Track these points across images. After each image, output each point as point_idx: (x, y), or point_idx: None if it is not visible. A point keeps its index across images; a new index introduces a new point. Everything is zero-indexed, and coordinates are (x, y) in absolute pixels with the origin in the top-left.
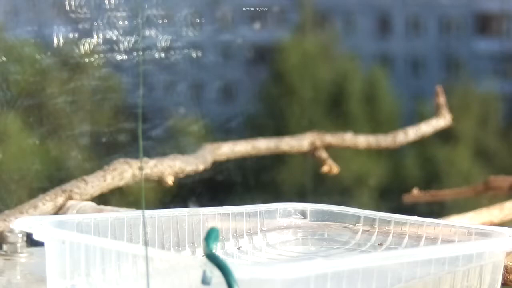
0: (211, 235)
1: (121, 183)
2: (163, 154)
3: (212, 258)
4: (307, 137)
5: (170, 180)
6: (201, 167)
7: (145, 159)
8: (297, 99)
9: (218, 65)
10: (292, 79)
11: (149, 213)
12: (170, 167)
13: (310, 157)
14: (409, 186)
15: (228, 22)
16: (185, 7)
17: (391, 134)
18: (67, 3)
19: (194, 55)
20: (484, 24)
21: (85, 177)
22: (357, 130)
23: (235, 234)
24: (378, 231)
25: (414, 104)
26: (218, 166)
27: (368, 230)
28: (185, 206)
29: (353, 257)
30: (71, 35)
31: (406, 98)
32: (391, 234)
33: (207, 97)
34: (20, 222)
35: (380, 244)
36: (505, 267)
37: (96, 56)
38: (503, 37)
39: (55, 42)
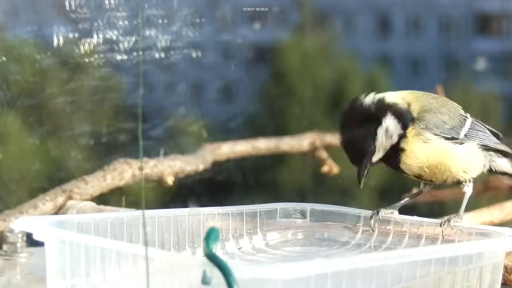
0: (211, 235)
1: (121, 183)
2: (163, 154)
3: (212, 258)
4: (307, 137)
5: (170, 180)
6: (201, 167)
7: (145, 159)
8: (297, 99)
9: (218, 65)
10: (292, 79)
11: (149, 213)
12: (170, 167)
13: (310, 157)
14: (409, 186)
15: (228, 22)
16: (185, 7)
17: None
18: (67, 3)
19: (194, 55)
20: (484, 24)
21: (85, 177)
22: None
23: (235, 234)
24: (378, 231)
25: None
26: (218, 166)
27: (368, 230)
28: (185, 206)
29: (353, 257)
30: (71, 35)
31: None
32: (391, 234)
33: (207, 97)
34: (20, 222)
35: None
36: (505, 267)
37: (96, 56)
38: (503, 37)
39: (55, 42)
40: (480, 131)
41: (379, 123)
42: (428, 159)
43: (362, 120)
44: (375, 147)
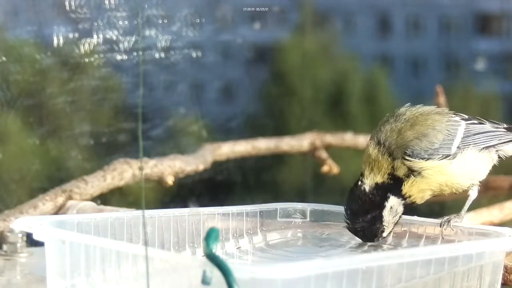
0: (211, 235)
1: (121, 183)
2: (163, 154)
3: (212, 258)
4: (307, 137)
5: (170, 180)
6: (201, 167)
7: (145, 159)
8: (297, 99)
9: (218, 65)
10: (292, 79)
11: (149, 213)
12: (170, 167)
13: (310, 157)
14: None
15: (228, 22)
16: (185, 7)
17: None
18: (67, 3)
19: (194, 55)
20: (484, 24)
21: (85, 177)
22: (357, 130)
23: (235, 234)
24: None
25: (414, 104)
26: (218, 166)
27: None
28: (185, 206)
29: (353, 257)
30: (71, 35)
31: (406, 98)
32: (391, 234)
33: (207, 97)
34: (20, 222)
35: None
36: (505, 267)
37: (96, 56)
38: (503, 37)
39: (55, 42)
40: (478, 133)
41: (382, 207)
42: (431, 186)
43: (367, 210)
44: (384, 226)
